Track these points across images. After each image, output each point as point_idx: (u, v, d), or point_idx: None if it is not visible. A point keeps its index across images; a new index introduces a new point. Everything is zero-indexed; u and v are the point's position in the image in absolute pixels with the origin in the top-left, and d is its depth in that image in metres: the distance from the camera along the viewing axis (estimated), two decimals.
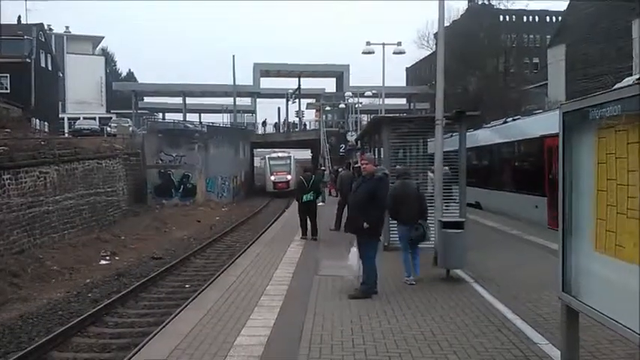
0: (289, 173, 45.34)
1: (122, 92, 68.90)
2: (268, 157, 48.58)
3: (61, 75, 58.81)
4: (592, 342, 5.51)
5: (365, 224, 7.67)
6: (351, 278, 8.18)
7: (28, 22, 49.47)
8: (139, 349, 6.89)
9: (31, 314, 11.11)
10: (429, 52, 57.11)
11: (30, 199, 18.40)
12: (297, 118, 63.43)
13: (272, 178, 46.03)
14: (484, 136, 20.60)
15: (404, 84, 79.23)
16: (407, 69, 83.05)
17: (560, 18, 51.05)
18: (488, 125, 21.93)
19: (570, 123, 4.29)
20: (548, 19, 66.16)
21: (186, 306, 8.99)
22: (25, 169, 18.59)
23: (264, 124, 59.84)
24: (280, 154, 48.17)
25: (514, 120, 19.58)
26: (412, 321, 6.58)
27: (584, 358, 5.10)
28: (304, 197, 13.86)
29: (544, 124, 15.60)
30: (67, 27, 72.30)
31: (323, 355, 5.41)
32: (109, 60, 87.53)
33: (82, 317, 10.15)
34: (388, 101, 65.41)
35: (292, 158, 47.76)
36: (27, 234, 17.68)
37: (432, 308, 7.18)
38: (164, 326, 7.94)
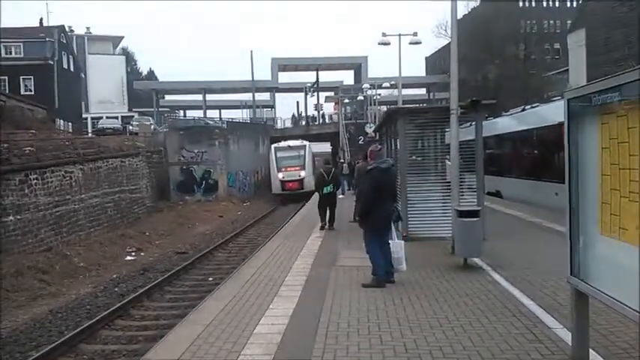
0: (303, 168, 35.45)
1: (143, 91, 69.78)
2: (275, 148, 37.29)
3: (83, 75, 59.90)
4: (605, 325, 5.57)
5: (356, 217, 7.89)
6: (402, 269, 8.14)
7: (50, 24, 50.40)
8: (163, 339, 7.10)
9: (60, 309, 11.49)
10: (447, 41, 56.70)
11: (56, 198, 18.89)
12: (316, 112, 63.59)
13: (280, 175, 35.48)
14: (503, 124, 20.50)
15: (424, 74, 78.76)
16: (426, 58, 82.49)
17: (580, 2, 50.19)
18: (508, 113, 21.76)
19: (575, 110, 4.36)
20: (568, 4, 65.06)
21: (208, 297, 9.20)
22: (51, 169, 19.07)
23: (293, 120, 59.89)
24: (292, 144, 37.78)
25: (533, 107, 19.39)
26: (428, 308, 6.69)
27: (597, 341, 5.17)
28: (325, 189, 14.24)
29: (562, 110, 15.36)
30: (87, 28, 73.56)
31: (339, 342, 5.56)
32: (130, 59, 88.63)
33: (109, 311, 10.48)
34: (408, 91, 65.20)
35: (308, 148, 36.89)
36: (54, 232, 18.17)
37: (449, 296, 7.27)
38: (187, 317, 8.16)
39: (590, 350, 4.76)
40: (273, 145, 38.15)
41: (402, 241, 8.25)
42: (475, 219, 8.90)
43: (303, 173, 35.17)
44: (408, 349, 5.30)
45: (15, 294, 12.63)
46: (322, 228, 14.16)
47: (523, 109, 20.04)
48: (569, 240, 4.43)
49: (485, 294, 7.28)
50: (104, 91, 68.31)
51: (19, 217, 16.50)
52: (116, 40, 78.65)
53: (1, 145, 18.21)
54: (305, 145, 37.08)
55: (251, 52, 54.07)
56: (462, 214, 9.02)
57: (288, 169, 35.57)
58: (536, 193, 17.21)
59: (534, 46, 51.18)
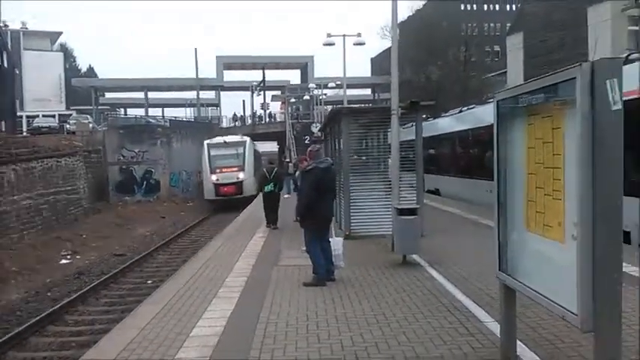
0: (242, 169, 30.04)
1: (82, 88, 67.49)
2: (208, 144, 31.50)
3: (17, 72, 57.25)
4: (533, 317, 5.75)
5: (297, 217, 8.08)
6: (341, 266, 8.34)
7: None
8: (95, 346, 6.87)
9: None
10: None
11: None
12: (263, 111, 63.27)
13: (213, 178, 29.76)
14: (441, 125, 21.23)
15: (370, 74, 79.65)
16: (372, 59, 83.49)
17: (518, 5, 52.05)
18: (446, 114, 22.57)
19: (504, 110, 4.48)
20: (508, 7, 67.35)
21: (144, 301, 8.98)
22: None
23: (235, 118, 59.27)
24: (229, 140, 32.28)
25: (469, 109, 20.20)
26: (366, 306, 6.74)
27: (526, 333, 5.35)
28: (266, 188, 14.28)
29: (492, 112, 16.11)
30: (23, 23, 70.28)
31: (277, 342, 5.52)
32: (68, 56, 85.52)
33: (40, 317, 10.05)
34: (354, 92, 65.79)
35: (249, 145, 31.62)
36: None
37: (387, 292, 7.36)
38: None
39: (519, 342, 4.90)
40: (205, 142, 31.97)
41: (341, 238, 8.34)
42: (414, 217, 9.06)
43: (242, 175, 29.32)
44: (345, 347, 5.32)
45: None
46: (268, 227, 14.15)
47: (460, 111, 20.83)
48: (497, 236, 4.55)
49: (421, 290, 7.41)
50: (41, 89, 65.49)
51: None
52: (54, 36, 75.57)
53: None
54: (245, 142, 31.39)
55: (195, 49, 52.88)
56: (402, 212, 9.16)
57: (224, 170, 29.48)
58: (471, 191, 17.87)
59: (475, 49, 52.73)
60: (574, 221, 3.40)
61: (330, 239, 8.21)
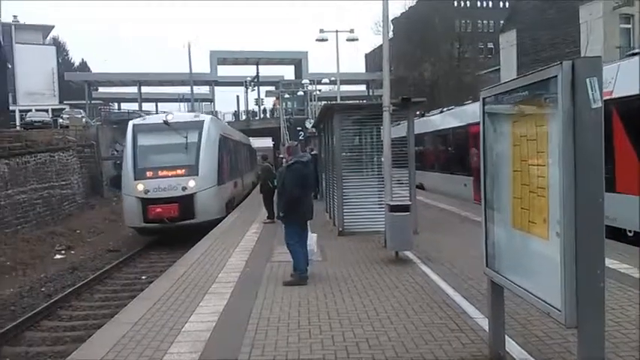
0: (195, 172, 16.88)
1: (75, 83, 67.17)
2: (134, 127, 18.33)
3: (9, 66, 56.88)
4: (524, 314, 5.83)
5: (280, 212, 8.18)
6: (315, 260, 8.56)
7: None
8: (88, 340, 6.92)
9: None
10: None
11: None
12: (257, 106, 63.20)
13: (139, 187, 16.44)
14: (425, 124, 22.21)
15: (364, 70, 79.70)
16: (366, 55, 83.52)
17: (511, 3, 52.13)
18: (429, 114, 23.92)
19: (490, 108, 4.56)
20: (501, 4, 67.51)
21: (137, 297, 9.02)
22: None
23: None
24: (172, 119, 18.08)
25: (449, 110, 21.92)
26: (358, 302, 6.82)
27: (515, 330, 5.44)
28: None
29: (470, 113, 17.64)
30: (14, 16, 69.80)
31: (268, 337, 5.60)
32: (61, 50, 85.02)
33: (34, 311, 10.07)
34: (348, 88, 65.87)
35: (212, 128, 18.55)
36: None
37: (379, 289, 7.44)
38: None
39: (508, 339, 4.98)
40: (131, 122, 19.34)
41: (315, 234, 8.58)
42: (406, 213, 9.14)
43: (192, 183, 16.55)
44: (336, 342, 5.40)
45: None
46: (272, 222, 14.01)
47: (441, 111, 22.50)
48: (484, 233, 4.63)
49: (413, 286, 7.50)
50: (33, 83, 65.12)
51: None
52: (46, 30, 75.07)
53: None
54: (201, 123, 18.15)
55: (189, 43, 52.60)
56: (394, 208, 9.24)
57: (160, 173, 16.62)
58: (450, 185, 19.66)
59: (468, 45, 52.82)
60: (557, 218, 3.47)
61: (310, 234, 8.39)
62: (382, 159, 12.41)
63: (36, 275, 14.28)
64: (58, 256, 16.89)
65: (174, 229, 16.08)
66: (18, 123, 46.32)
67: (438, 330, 5.66)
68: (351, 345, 5.31)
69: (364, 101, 51.46)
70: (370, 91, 69.19)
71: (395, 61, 37.21)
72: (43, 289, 12.60)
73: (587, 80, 3.28)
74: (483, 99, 4.54)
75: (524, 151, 3.96)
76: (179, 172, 16.72)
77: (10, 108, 52.23)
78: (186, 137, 17.24)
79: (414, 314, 6.22)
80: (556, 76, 3.38)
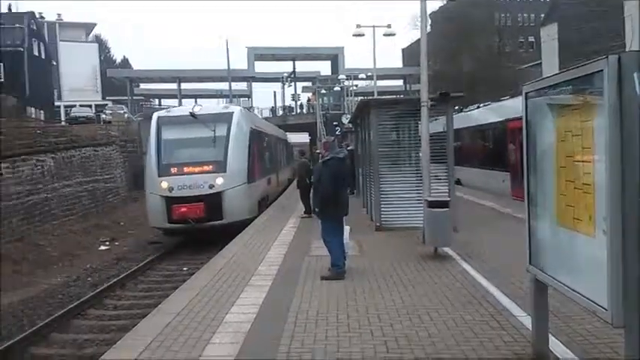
0: (223, 169, 15.59)
1: (117, 79, 68.78)
2: (159, 118, 17.05)
3: (54, 63, 58.69)
4: (568, 312, 5.69)
5: (316, 208, 8.23)
6: (350, 254, 8.63)
7: (19, 11, 49.26)
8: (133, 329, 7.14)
9: (32, 299, 11.40)
10: None
11: (28, 187, 18.63)
12: (294, 102, 63.49)
13: (163, 185, 15.23)
14: (462, 119, 22.05)
15: (401, 65, 79.05)
16: (403, 50, 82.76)
17: None
18: (466, 110, 24.04)
19: (533, 102, 4.49)
20: None
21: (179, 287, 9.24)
22: (22, 158, 18.78)
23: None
24: (198, 111, 16.97)
25: (486, 105, 21.91)
26: (397, 297, 6.83)
27: (559, 328, 5.35)
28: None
29: (508, 109, 17.59)
30: (58, 14, 71.93)
31: (307, 330, 5.67)
32: (103, 47, 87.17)
33: (81, 300, 10.44)
34: (385, 83, 65.43)
35: (238, 120, 16.73)
36: (26, 222, 17.93)
37: (418, 284, 7.43)
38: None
39: (552, 337, 4.91)
40: (155, 115, 18.08)
41: (348, 227, 8.54)
42: (445, 209, 9.08)
43: (220, 180, 15.39)
44: (375, 337, 5.43)
45: None
46: (309, 216, 13.96)
47: (478, 107, 22.57)
48: (527, 230, 4.58)
49: (453, 282, 7.46)
50: (77, 79, 67.11)
51: None
52: (89, 27, 77.25)
53: None
54: (232, 114, 16.87)
55: (226, 40, 53.66)
56: (432, 204, 9.19)
57: (185, 169, 15.49)
58: (488, 180, 19.57)
59: (508, 39, 51.84)
60: (603, 216, 3.41)
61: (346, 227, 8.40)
62: (420, 154, 12.37)
63: (82, 265, 14.78)
64: (102, 247, 17.43)
65: (201, 231, 15.08)
66: (63, 118, 47.75)
67: (479, 327, 5.62)
68: (391, 340, 5.33)
69: (401, 96, 51.03)
70: (407, 86, 68.58)
71: (433, 56, 36.85)
72: (89, 279, 13.03)
73: (635, 75, 3.21)
74: (526, 93, 4.48)
75: (570, 146, 3.89)
76: (206, 168, 15.53)
77: (55, 103, 53.95)
78: (214, 130, 15.95)
79: (454, 311, 6.19)
80: (602, 71, 3.30)
